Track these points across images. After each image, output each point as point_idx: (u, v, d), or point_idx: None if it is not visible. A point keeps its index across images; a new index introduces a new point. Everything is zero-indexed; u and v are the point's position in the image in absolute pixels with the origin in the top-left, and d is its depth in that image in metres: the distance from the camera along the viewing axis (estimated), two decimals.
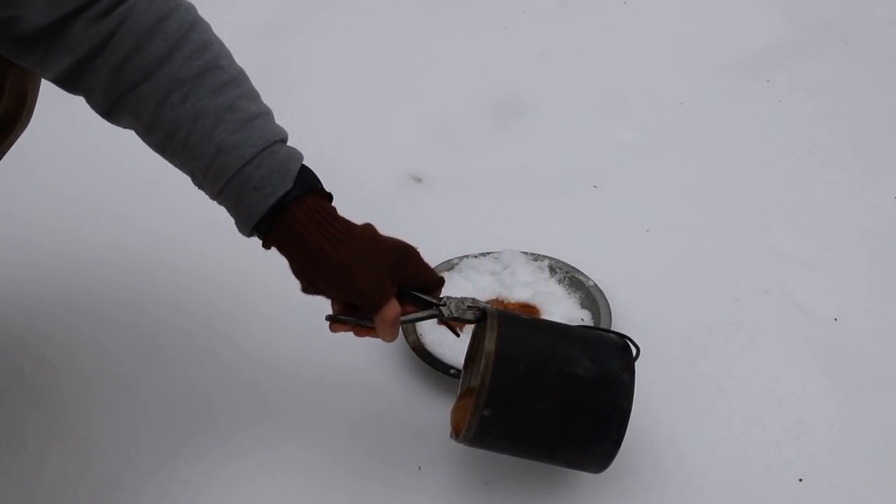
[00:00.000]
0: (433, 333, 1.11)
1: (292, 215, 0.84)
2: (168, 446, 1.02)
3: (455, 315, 0.90)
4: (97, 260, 1.27)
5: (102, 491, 0.97)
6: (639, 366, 1.10)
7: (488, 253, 1.24)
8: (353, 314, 0.88)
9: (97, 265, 1.26)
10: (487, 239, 1.28)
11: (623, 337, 0.90)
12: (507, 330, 0.86)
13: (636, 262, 1.26)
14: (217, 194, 0.85)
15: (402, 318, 0.87)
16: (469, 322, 0.92)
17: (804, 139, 1.52)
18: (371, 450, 1.01)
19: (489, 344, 0.84)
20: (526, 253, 1.24)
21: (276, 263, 1.26)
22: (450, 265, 1.23)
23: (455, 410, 0.92)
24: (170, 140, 0.84)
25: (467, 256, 1.24)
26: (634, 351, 0.88)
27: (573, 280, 1.20)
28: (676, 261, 1.26)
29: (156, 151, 0.87)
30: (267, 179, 0.83)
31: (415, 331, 1.12)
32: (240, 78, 0.85)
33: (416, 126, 1.57)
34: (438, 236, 1.29)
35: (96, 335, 1.15)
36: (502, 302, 1.18)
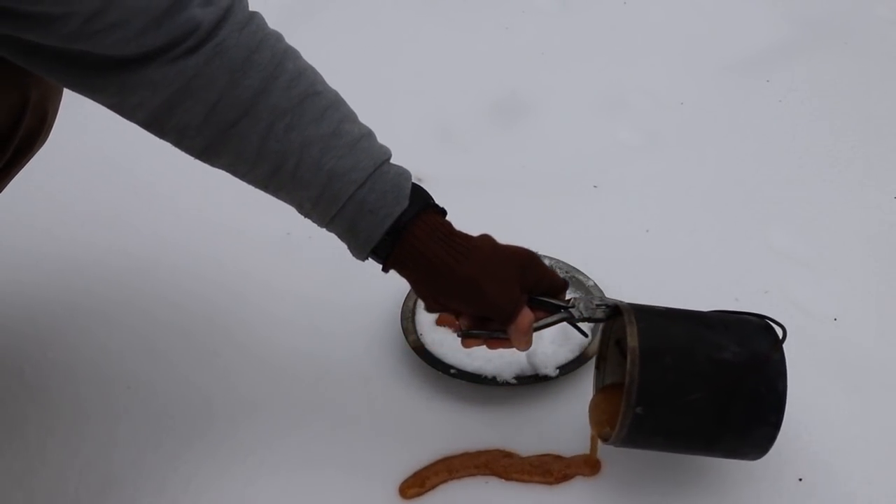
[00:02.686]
0: (433, 334, 1.11)
1: (412, 235, 0.82)
2: (168, 446, 1.02)
3: (586, 315, 0.89)
4: (97, 260, 1.27)
5: (102, 491, 0.97)
6: None
7: None
8: (483, 327, 0.87)
9: (97, 266, 1.26)
10: None
11: (763, 318, 0.88)
12: (647, 324, 0.85)
13: (636, 262, 1.26)
14: (329, 222, 0.83)
15: (536, 323, 0.86)
16: (600, 321, 0.91)
17: (804, 139, 1.52)
18: (371, 450, 1.01)
19: (632, 340, 0.82)
20: None
21: (275, 265, 1.27)
22: None
23: (594, 409, 0.92)
24: (276, 173, 0.81)
25: None
26: (780, 331, 0.86)
27: (573, 280, 1.20)
28: (676, 261, 1.26)
29: (257, 186, 0.84)
30: (381, 201, 0.81)
31: (415, 331, 1.12)
32: (338, 101, 0.84)
33: (417, 126, 1.57)
34: None
35: (97, 335, 1.16)
36: None
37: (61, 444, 1.02)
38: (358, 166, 0.81)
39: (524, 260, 0.87)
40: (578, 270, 1.21)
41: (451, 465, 0.99)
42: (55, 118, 0.99)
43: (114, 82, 0.75)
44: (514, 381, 1.05)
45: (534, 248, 1.23)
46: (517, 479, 0.97)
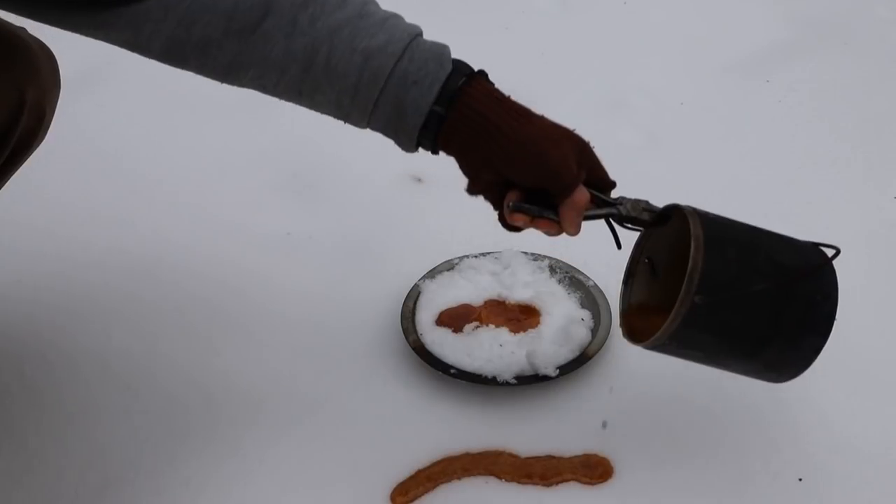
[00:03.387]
0: (433, 334, 1.11)
1: (468, 96, 0.77)
2: (168, 446, 1.02)
3: (632, 215, 0.86)
4: (97, 261, 1.27)
5: (102, 491, 0.97)
6: (639, 363, 1.11)
7: (488, 253, 1.24)
8: (532, 203, 0.82)
9: (97, 266, 1.26)
10: (487, 239, 1.27)
11: (812, 243, 0.87)
12: (708, 218, 0.82)
13: None
14: (372, 111, 0.78)
15: (587, 212, 0.83)
16: (643, 224, 0.87)
17: (804, 139, 1.52)
18: (371, 449, 1.01)
19: (696, 229, 0.80)
20: (526, 253, 1.24)
21: (276, 264, 1.27)
22: (450, 265, 1.23)
23: (628, 318, 0.89)
24: (309, 70, 0.76)
25: (467, 256, 1.24)
26: (833, 251, 0.85)
27: (573, 280, 1.20)
28: None
29: (290, 97, 0.79)
30: (424, 69, 0.76)
31: (415, 330, 1.12)
32: None
33: None
34: (438, 236, 1.29)
35: (97, 335, 1.15)
36: (503, 302, 1.18)
37: (61, 444, 1.02)
38: (393, 40, 0.76)
39: (582, 142, 0.83)
40: (578, 270, 1.21)
41: (445, 469, 0.98)
42: (53, 117, 0.99)
43: (124, 14, 0.72)
44: (514, 381, 1.05)
45: (533, 249, 1.24)
46: (517, 481, 0.97)
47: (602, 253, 1.26)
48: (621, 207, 0.87)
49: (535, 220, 0.83)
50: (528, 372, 1.06)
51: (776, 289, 0.81)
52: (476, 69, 0.81)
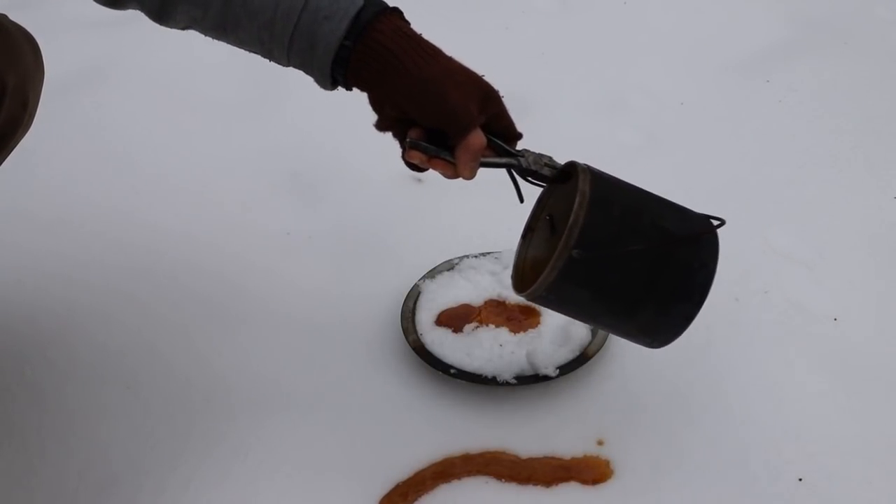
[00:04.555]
0: (433, 334, 1.11)
1: (376, 31, 0.78)
2: (168, 446, 1.02)
3: (532, 168, 0.86)
4: (98, 261, 1.27)
5: (102, 491, 0.97)
6: (639, 363, 1.10)
7: (488, 253, 1.24)
8: (433, 144, 0.82)
9: (97, 266, 1.26)
10: (487, 239, 1.28)
11: (704, 214, 0.88)
12: (599, 178, 0.83)
13: None
14: (289, 46, 0.80)
15: (485, 159, 0.83)
16: (542, 180, 0.87)
17: (804, 139, 1.52)
18: (371, 449, 1.01)
19: (583, 185, 0.80)
20: None
21: (276, 264, 1.27)
22: (450, 265, 1.23)
23: (522, 270, 0.89)
24: (228, 6, 0.79)
25: (467, 256, 1.24)
26: (718, 222, 0.85)
27: None
28: None
29: (217, 35, 0.83)
30: (335, 4, 0.78)
31: (415, 330, 1.12)
32: None
33: None
34: (438, 236, 1.29)
35: (97, 335, 1.16)
36: (503, 302, 1.18)
37: (61, 444, 1.02)
38: None
39: (489, 89, 0.83)
40: None
41: (444, 469, 0.98)
42: (37, 104, 0.99)
43: None
44: (514, 381, 1.05)
45: None
46: (516, 481, 0.97)
47: None
48: (522, 160, 0.87)
49: (432, 160, 0.83)
50: (528, 372, 1.06)
51: (654, 251, 0.82)
52: (392, 6, 0.81)
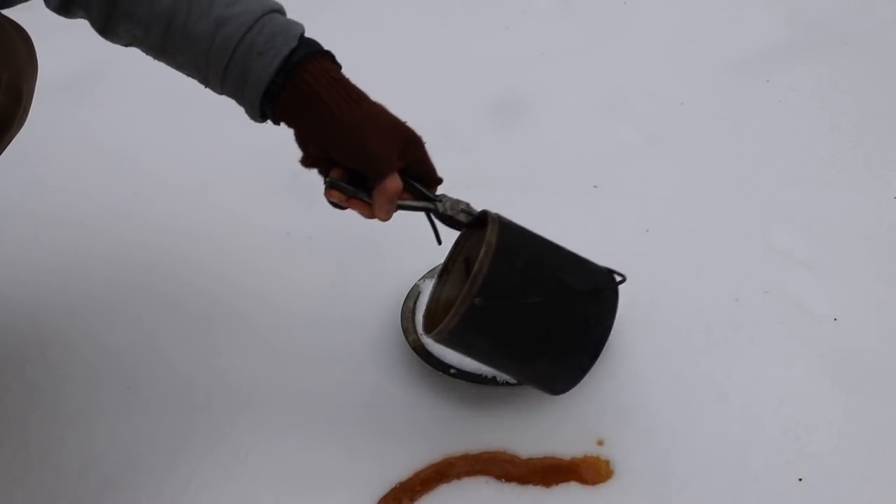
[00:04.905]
0: None
1: (306, 72, 0.81)
2: (168, 446, 1.02)
3: (449, 213, 0.90)
4: (98, 259, 1.27)
5: (102, 491, 0.97)
6: (639, 363, 1.10)
7: None
8: (353, 185, 0.85)
9: (98, 264, 1.26)
10: None
11: (604, 268, 0.91)
12: (507, 228, 0.87)
13: (636, 262, 1.25)
14: (223, 76, 0.83)
15: (401, 202, 0.86)
16: (459, 224, 0.91)
17: (804, 139, 1.52)
18: (371, 449, 1.01)
19: (490, 236, 0.84)
20: None
21: (276, 264, 1.27)
22: None
23: (433, 310, 0.92)
24: (168, 31, 0.81)
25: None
26: (620, 277, 0.89)
27: None
28: (676, 261, 1.26)
29: (158, 56, 0.85)
30: (270, 42, 0.81)
31: (415, 330, 1.12)
32: None
33: (416, 126, 1.56)
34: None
35: (97, 335, 1.16)
36: None
37: (61, 444, 1.02)
38: (247, 11, 0.81)
39: (411, 134, 0.86)
40: None
41: (444, 469, 0.99)
42: (32, 99, 0.99)
43: None
44: (514, 381, 1.05)
45: None
46: (516, 481, 0.97)
47: (602, 253, 1.26)
48: (440, 205, 0.90)
49: (350, 200, 0.86)
50: None
51: (552, 304, 0.85)
52: (325, 50, 0.84)
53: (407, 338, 1.11)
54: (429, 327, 0.90)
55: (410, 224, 1.33)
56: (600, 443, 1.01)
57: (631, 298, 1.19)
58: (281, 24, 0.82)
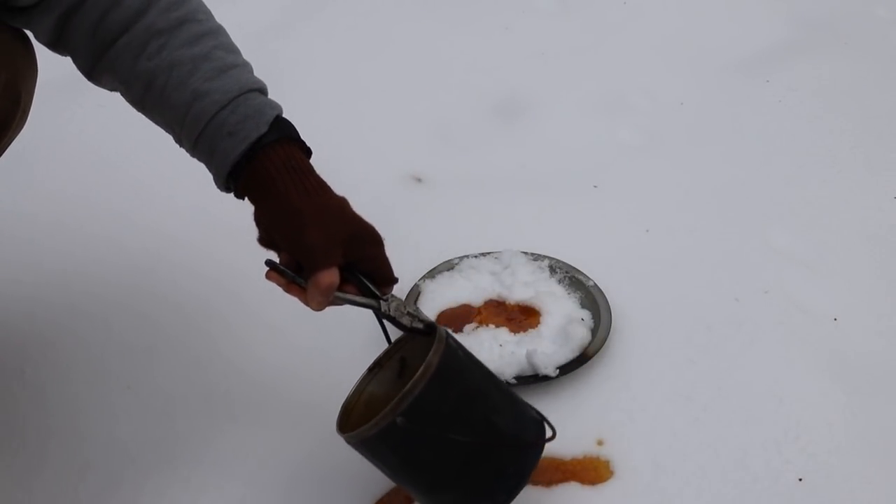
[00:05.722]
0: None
1: (266, 158, 0.83)
2: (168, 446, 1.02)
3: (391, 314, 0.88)
4: (98, 260, 1.27)
5: (102, 491, 0.97)
6: (639, 363, 1.10)
7: (488, 253, 1.24)
8: (295, 271, 0.85)
9: (98, 265, 1.26)
10: (487, 239, 1.28)
11: (541, 416, 0.88)
12: (453, 354, 0.83)
13: (636, 262, 1.25)
14: (193, 145, 0.85)
15: (339, 293, 0.85)
16: (402, 327, 0.88)
17: (804, 139, 1.52)
18: None
19: (434, 356, 0.81)
20: (526, 253, 1.24)
21: None
22: (450, 265, 1.23)
23: (354, 404, 0.89)
24: (147, 92, 0.84)
25: (467, 256, 1.24)
26: (550, 432, 0.86)
27: (573, 280, 1.20)
28: (676, 261, 1.26)
29: (137, 108, 0.88)
30: (241, 125, 0.82)
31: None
32: (218, 32, 0.87)
33: (416, 126, 1.57)
34: (438, 236, 1.29)
35: (97, 335, 1.15)
36: (503, 302, 1.18)
37: (61, 444, 1.02)
38: (223, 89, 0.82)
39: (362, 232, 0.86)
40: (578, 270, 1.21)
41: None
42: (31, 101, 0.99)
43: (21, 17, 0.86)
44: (513, 381, 1.05)
45: (534, 248, 1.25)
46: None
47: (602, 253, 1.27)
48: (384, 303, 0.88)
49: (289, 284, 0.85)
50: (528, 372, 1.06)
51: (474, 444, 0.81)
52: (296, 137, 0.86)
53: None
54: (343, 424, 0.86)
55: (411, 225, 1.33)
56: (600, 443, 1.01)
57: (631, 299, 1.19)
58: (255, 107, 0.83)
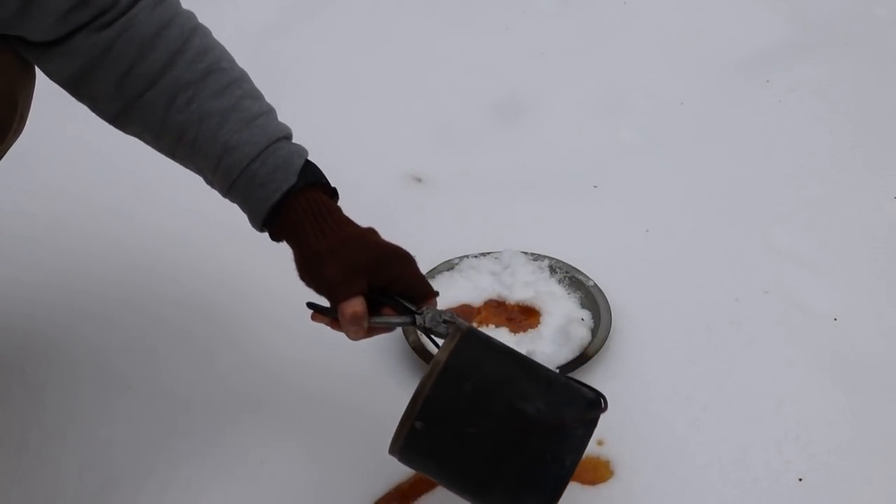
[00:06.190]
0: None
1: (291, 208, 0.86)
2: (168, 446, 1.02)
3: (428, 326, 0.87)
4: (98, 260, 1.27)
5: (102, 491, 0.97)
6: (639, 363, 1.10)
7: (488, 253, 1.24)
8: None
9: (98, 265, 1.26)
10: (487, 239, 1.28)
11: (596, 392, 0.82)
12: (466, 345, 0.81)
13: (636, 262, 1.26)
14: (227, 192, 0.88)
15: (376, 318, 0.86)
16: (441, 335, 0.87)
17: (804, 139, 1.52)
18: (371, 449, 1.01)
19: (441, 353, 0.80)
20: (526, 253, 1.24)
21: (276, 263, 1.27)
22: (450, 265, 1.23)
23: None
24: (178, 143, 0.86)
25: (467, 256, 1.24)
26: (603, 404, 0.80)
27: (573, 280, 1.20)
28: (676, 261, 1.26)
29: (166, 155, 0.90)
30: (271, 176, 0.85)
31: (415, 331, 1.12)
32: (242, 79, 0.88)
33: (417, 126, 1.57)
34: (438, 236, 1.29)
35: (97, 335, 1.15)
36: (503, 302, 1.18)
37: (61, 444, 1.02)
38: (252, 141, 0.85)
39: (386, 255, 0.87)
40: (578, 270, 1.21)
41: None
42: (29, 108, 0.99)
43: (35, 53, 0.86)
44: None
45: (534, 248, 1.25)
46: None
47: (602, 253, 1.27)
48: (419, 318, 0.88)
49: (332, 322, 0.88)
50: None
51: (501, 435, 0.78)
52: (322, 180, 0.89)
53: (407, 338, 1.11)
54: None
55: (411, 225, 1.33)
56: (600, 443, 1.01)
57: (631, 299, 1.19)
58: (284, 157, 0.86)
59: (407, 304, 0.88)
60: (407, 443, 0.79)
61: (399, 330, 1.12)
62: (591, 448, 1.00)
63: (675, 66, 1.73)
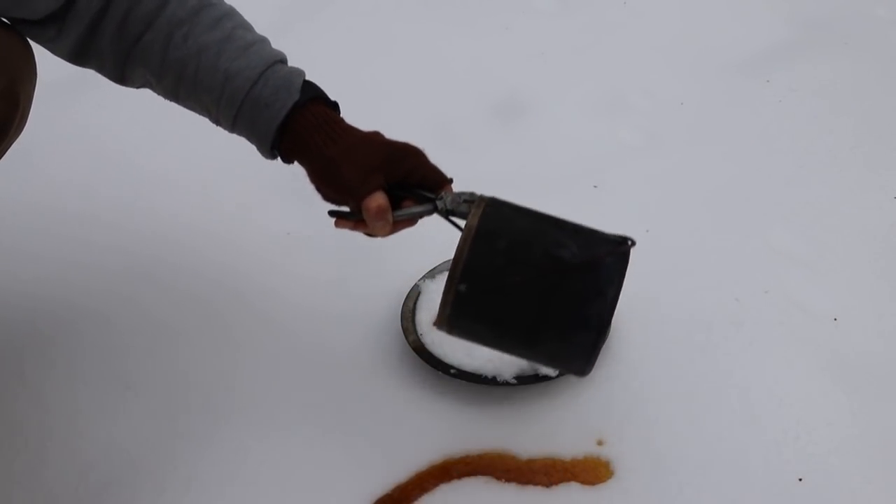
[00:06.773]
0: (433, 334, 1.11)
1: (297, 124, 0.88)
2: (168, 446, 1.02)
3: (450, 208, 0.89)
4: (98, 259, 1.27)
5: (102, 491, 0.97)
6: (639, 363, 1.10)
7: None
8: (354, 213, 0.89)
9: (98, 265, 1.26)
10: None
11: (620, 235, 0.87)
12: (494, 209, 0.85)
13: (636, 262, 1.25)
14: (233, 123, 0.90)
15: (399, 212, 0.89)
16: (464, 215, 0.89)
17: (804, 139, 1.52)
18: (372, 449, 1.01)
19: (472, 220, 0.83)
20: None
21: (277, 263, 1.27)
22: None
23: (441, 303, 0.88)
24: (181, 80, 0.89)
25: None
26: (630, 241, 0.85)
27: None
28: (676, 261, 1.26)
29: (171, 99, 0.92)
30: (275, 96, 0.87)
31: (415, 331, 1.12)
32: (232, 12, 0.91)
33: (417, 126, 1.56)
34: (439, 236, 1.29)
35: (97, 335, 1.16)
36: None
37: (61, 444, 1.02)
38: (250, 66, 0.88)
39: (397, 151, 0.90)
40: None
41: (444, 469, 0.99)
42: (30, 104, 1.00)
43: (39, 31, 0.89)
44: (513, 380, 1.05)
45: None
46: (516, 482, 0.97)
47: None
48: (439, 202, 0.90)
49: (357, 224, 0.90)
50: (528, 372, 1.06)
51: (539, 281, 0.81)
52: (323, 94, 0.91)
53: (407, 338, 1.11)
54: (436, 319, 0.87)
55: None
56: (600, 443, 1.01)
57: (631, 298, 1.19)
58: (284, 77, 0.88)
59: (425, 194, 0.90)
60: (454, 310, 0.82)
61: (399, 331, 1.12)
62: (591, 448, 1.00)
63: (675, 66, 1.73)
